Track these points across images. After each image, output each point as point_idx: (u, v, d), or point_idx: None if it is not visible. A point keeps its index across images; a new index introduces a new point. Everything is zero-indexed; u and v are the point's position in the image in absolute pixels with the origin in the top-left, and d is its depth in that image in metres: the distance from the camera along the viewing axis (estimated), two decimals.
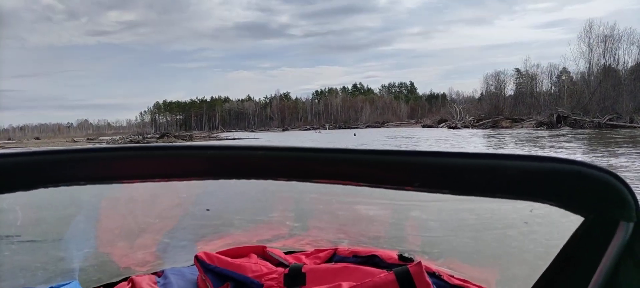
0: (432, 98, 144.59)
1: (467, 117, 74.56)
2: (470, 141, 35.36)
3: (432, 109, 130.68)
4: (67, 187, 0.88)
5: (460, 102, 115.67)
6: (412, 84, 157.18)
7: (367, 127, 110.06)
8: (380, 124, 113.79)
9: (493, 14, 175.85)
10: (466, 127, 65.66)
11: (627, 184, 0.83)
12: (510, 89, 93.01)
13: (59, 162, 0.88)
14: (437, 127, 74.70)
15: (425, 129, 72.47)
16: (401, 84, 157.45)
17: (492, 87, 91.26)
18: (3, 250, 2.68)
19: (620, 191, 0.83)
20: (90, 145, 0.95)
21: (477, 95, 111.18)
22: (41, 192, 0.85)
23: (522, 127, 57.14)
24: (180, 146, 0.92)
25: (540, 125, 54.78)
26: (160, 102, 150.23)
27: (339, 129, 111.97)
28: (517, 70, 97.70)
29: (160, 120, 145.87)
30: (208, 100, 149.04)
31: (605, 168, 0.83)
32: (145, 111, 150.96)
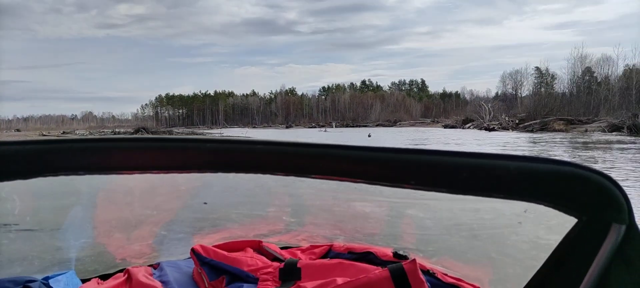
0: (445, 96, 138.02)
1: (503, 117, 64.37)
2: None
3: (447, 107, 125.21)
4: (66, 177, 0.88)
5: (475, 101, 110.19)
6: (423, 81, 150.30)
7: (377, 125, 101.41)
8: (392, 123, 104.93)
9: (502, 14, 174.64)
10: (504, 128, 55.64)
11: (620, 187, 0.84)
12: (526, 89, 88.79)
13: (58, 152, 0.88)
14: (463, 128, 65.44)
15: (450, 130, 62.26)
16: (412, 81, 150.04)
17: (509, 87, 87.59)
18: (0, 238, 2.69)
19: (613, 193, 0.84)
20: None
21: (492, 95, 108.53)
22: (39, 180, 0.86)
23: (586, 130, 45.85)
24: (180, 138, 0.92)
25: (616, 129, 43.18)
26: (164, 95, 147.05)
27: (347, 127, 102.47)
28: (537, 69, 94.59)
29: (163, 114, 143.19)
30: (211, 94, 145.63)
31: (598, 171, 0.84)
32: (146, 104, 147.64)
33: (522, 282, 1.34)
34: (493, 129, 54.39)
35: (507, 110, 75.70)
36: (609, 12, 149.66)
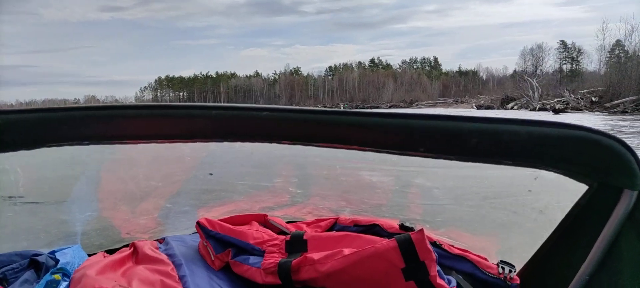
0: (462, 74, 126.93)
1: (570, 94, 50.25)
2: None
3: (467, 86, 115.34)
4: (70, 147, 0.87)
5: (493, 80, 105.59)
6: (436, 59, 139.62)
7: (391, 106, 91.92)
8: (408, 104, 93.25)
9: None
10: (577, 109, 42.69)
11: (633, 151, 0.82)
12: (549, 66, 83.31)
13: (61, 120, 0.86)
14: (505, 109, 53.77)
15: (491, 113, 45.18)
16: (424, 59, 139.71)
17: (530, 63, 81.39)
18: (6, 211, 2.69)
19: (627, 158, 0.82)
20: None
21: (508, 72, 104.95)
22: (43, 151, 0.84)
23: None
24: (185, 105, 0.90)
25: None
26: (163, 77, 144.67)
27: (356, 108, 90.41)
28: (563, 42, 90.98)
29: (163, 97, 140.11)
30: (213, 76, 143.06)
31: (612, 135, 0.82)
32: (145, 87, 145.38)
33: (530, 252, 1.34)
34: (562, 110, 41.44)
35: (553, 86, 66.59)
36: None
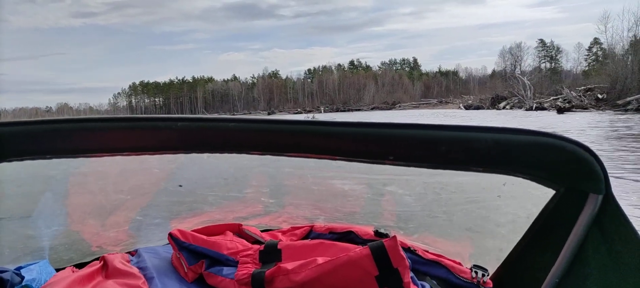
0: (443, 75, 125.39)
1: (570, 92, 43.99)
2: None
3: (449, 86, 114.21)
4: (32, 161, 0.84)
5: (472, 80, 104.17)
6: (415, 60, 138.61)
7: (373, 108, 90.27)
8: (391, 105, 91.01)
9: None
10: (582, 107, 38.02)
11: (597, 157, 0.84)
12: (527, 65, 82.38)
13: (21, 134, 0.84)
14: (497, 109, 49.48)
15: (486, 113, 44.81)
16: (403, 60, 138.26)
17: (509, 63, 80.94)
18: None
19: (590, 163, 0.85)
20: None
21: (488, 73, 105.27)
22: (3, 166, 0.81)
23: None
24: (151, 117, 0.89)
25: None
26: (138, 83, 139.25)
27: (337, 111, 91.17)
28: (542, 41, 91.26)
29: (138, 104, 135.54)
30: (190, 80, 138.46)
31: (576, 141, 0.84)
32: (119, 93, 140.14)
33: (502, 255, 1.36)
34: (567, 109, 36.76)
35: (547, 85, 62.59)
36: None
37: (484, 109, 53.88)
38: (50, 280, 1.29)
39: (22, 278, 1.40)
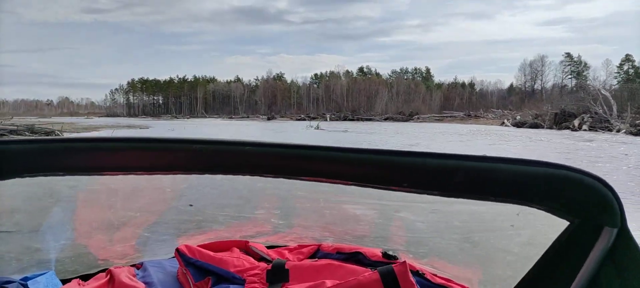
0: (464, 86, 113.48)
1: None
2: None
3: (472, 99, 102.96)
4: (44, 177, 0.85)
5: (493, 93, 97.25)
6: (428, 70, 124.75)
7: (386, 119, 78.04)
8: (408, 116, 78.09)
9: (494, 8, 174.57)
10: None
11: (613, 190, 0.83)
12: (548, 80, 77.60)
13: (35, 152, 0.85)
14: (571, 129, 37.92)
15: (554, 134, 34.22)
16: (415, 69, 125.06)
17: (529, 78, 76.74)
18: None
19: (606, 197, 0.83)
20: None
21: (504, 87, 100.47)
22: (16, 181, 0.82)
23: None
24: (166, 139, 0.89)
25: None
26: (136, 79, 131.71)
27: (345, 119, 79.15)
28: (569, 55, 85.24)
29: (135, 101, 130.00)
30: (190, 80, 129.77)
31: (593, 174, 0.83)
32: (116, 89, 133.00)
33: (512, 284, 1.33)
34: None
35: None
36: (600, 9, 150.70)
37: (543, 127, 42.87)
38: None
39: None
